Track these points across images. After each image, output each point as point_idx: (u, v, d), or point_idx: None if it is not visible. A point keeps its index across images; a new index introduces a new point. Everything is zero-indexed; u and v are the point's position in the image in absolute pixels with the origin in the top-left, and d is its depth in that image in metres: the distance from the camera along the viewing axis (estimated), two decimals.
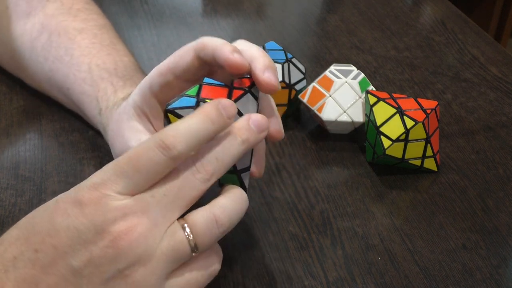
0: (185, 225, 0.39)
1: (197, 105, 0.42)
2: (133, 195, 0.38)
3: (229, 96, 0.43)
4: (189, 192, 0.39)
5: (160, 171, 0.38)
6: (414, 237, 0.54)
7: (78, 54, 0.60)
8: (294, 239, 0.53)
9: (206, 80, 0.44)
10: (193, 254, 0.39)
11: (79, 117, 0.63)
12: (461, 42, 0.85)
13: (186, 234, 0.39)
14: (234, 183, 0.43)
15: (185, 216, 0.39)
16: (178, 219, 0.39)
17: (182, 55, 0.46)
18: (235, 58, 0.42)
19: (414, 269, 0.51)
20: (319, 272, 0.50)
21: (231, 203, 0.40)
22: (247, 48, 0.45)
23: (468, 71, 0.79)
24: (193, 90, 0.43)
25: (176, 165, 0.39)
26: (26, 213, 0.53)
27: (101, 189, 0.38)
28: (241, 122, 0.41)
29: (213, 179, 0.40)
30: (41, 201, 0.54)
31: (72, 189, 0.39)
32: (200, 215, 0.39)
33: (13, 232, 0.39)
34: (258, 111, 0.44)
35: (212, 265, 0.41)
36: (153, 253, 0.38)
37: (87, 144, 0.61)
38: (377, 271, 0.51)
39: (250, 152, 0.44)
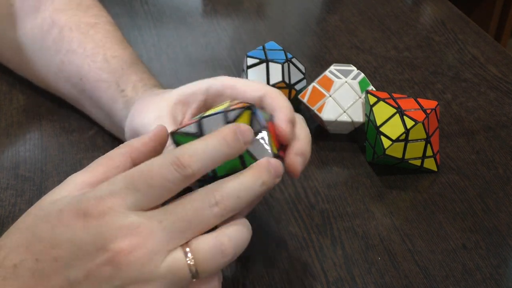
0: (188, 250, 0.38)
1: (262, 130, 0.42)
2: (140, 210, 0.37)
3: (279, 149, 0.43)
4: (199, 225, 0.38)
5: (172, 189, 0.38)
6: (414, 237, 0.54)
7: (92, 46, 0.60)
8: (294, 239, 0.53)
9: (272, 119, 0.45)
10: (193, 280, 0.38)
11: (79, 117, 0.64)
12: (461, 42, 0.85)
13: (187, 259, 0.38)
14: None
15: (190, 241, 0.38)
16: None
17: (253, 90, 0.48)
18: (285, 129, 0.44)
19: (414, 269, 0.51)
20: (319, 272, 0.50)
21: (238, 233, 0.39)
22: (299, 126, 0.46)
23: (468, 71, 0.79)
24: (265, 116, 0.44)
25: (188, 184, 0.38)
26: None
27: (108, 202, 0.37)
28: (262, 164, 0.41)
29: (227, 216, 0.39)
30: None
31: (77, 197, 0.38)
32: (206, 243, 0.38)
33: (14, 236, 0.38)
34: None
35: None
36: (152, 276, 0.37)
37: (87, 144, 0.61)
38: (377, 271, 0.51)
39: None
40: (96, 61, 0.59)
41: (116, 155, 0.41)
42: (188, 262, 0.38)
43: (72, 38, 0.61)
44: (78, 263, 0.37)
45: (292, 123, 0.45)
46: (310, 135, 0.47)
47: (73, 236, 0.37)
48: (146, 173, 0.38)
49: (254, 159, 0.41)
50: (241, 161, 0.41)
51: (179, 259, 0.38)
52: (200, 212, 0.38)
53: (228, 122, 0.41)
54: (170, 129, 0.45)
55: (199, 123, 0.41)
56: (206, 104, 0.50)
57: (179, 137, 0.42)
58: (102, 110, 0.59)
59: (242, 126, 0.40)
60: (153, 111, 0.50)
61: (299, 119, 0.47)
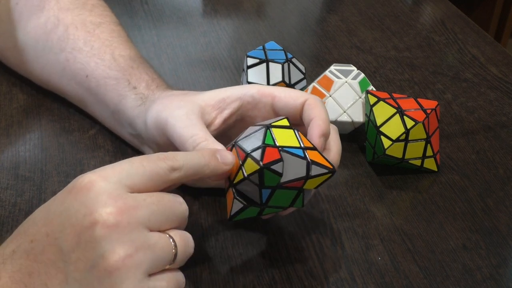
0: (169, 235, 0.41)
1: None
2: (126, 188, 0.40)
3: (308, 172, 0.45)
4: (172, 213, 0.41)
5: (161, 179, 0.41)
6: (414, 237, 0.54)
7: (99, 45, 0.60)
8: (294, 239, 0.53)
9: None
10: (169, 265, 0.40)
11: (79, 117, 0.64)
12: (461, 42, 0.85)
13: (171, 241, 0.40)
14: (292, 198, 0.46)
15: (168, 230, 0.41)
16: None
17: (294, 98, 0.51)
18: (317, 144, 0.48)
19: (414, 269, 0.51)
20: (319, 272, 0.50)
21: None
22: (333, 138, 0.50)
23: (468, 71, 0.79)
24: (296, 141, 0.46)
25: (174, 178, 0.42)
26: (26, 213, 0.53)
27: (98, 172, 0.40)
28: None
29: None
30: (41, 201, 0.54)
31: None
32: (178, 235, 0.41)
33: (19, 228, 0.41)
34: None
35: (181, 277, 0.42)
36: (139, 245, 0.38)
37: (87, 144, 0.61)
38: (377, 271, 0.51)
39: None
40: (104, 59, 0.59)
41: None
42: (172, 243, 0.40)
43: (78, 36, 0.61)
44: (68, 233, 0.38)
45: (326, 136, 0.48)
46: (341, 148, 0.50)
47: (62, 209, 0.39)
48: (143, 158, 0.41)
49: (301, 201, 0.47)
50: (291, 201, 0.46)
51: (166, 238, 0.40)
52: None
53: (308, 173, 0.45)
54: (198, 129, 0.49)
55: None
56: (240, 110, 0.52)
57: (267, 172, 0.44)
58: (107, 107, 0.59)
59: (223, 150, 0.45)
60: (183, 107, 0.51)
61: (333, 131, 0.50)
